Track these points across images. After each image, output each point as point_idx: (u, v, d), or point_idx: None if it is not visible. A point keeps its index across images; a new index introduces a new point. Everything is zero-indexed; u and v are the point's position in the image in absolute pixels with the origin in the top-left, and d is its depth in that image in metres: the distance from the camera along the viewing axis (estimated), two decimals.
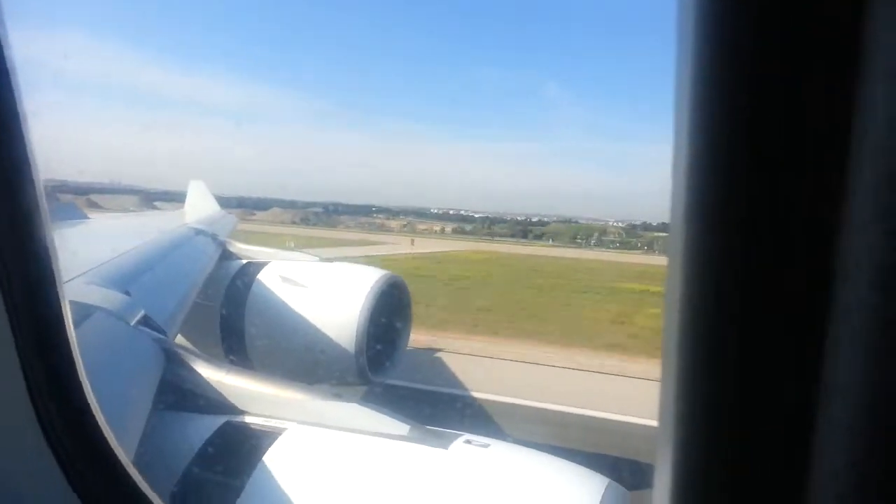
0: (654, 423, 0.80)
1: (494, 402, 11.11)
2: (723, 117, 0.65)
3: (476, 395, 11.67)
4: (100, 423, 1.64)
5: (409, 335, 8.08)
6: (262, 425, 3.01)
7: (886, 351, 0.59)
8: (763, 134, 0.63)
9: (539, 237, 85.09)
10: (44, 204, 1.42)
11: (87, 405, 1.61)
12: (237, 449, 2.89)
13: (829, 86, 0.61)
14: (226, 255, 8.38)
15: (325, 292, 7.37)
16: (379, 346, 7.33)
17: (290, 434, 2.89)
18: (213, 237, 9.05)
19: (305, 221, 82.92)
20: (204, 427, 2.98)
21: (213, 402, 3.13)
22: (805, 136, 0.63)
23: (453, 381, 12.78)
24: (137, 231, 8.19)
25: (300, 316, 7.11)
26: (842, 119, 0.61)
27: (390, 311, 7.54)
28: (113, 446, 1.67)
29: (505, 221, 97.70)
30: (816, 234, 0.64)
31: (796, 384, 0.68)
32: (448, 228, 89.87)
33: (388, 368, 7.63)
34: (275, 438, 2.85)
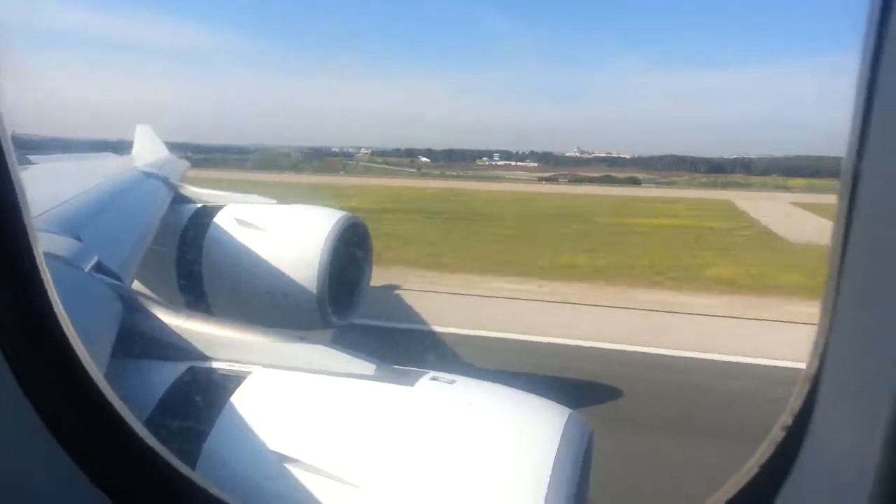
0: None
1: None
2: None
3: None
4: (82, 360, 1.62)
5: (370, 276, 8.06)
6: (226, 370, 2.99)
7: None
8: None
9: None
10: (9, 148, 1.33)
11: (67, 341, 1.58)
12: (202, 394, 2.87)
13: None
14: (179, 199, 8.12)
15: (284, 235, 7.26)
16: (341, 288, 7.31)
17: (255, 377, 2.88)
18: (165, 180, 8.75)
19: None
20: (167, 373, 2.95)
21: (174, 349, 3.08)
22: None
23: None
24: (86, 175, 7.84)
25: (260, 259, 7.00)
26: None
27: (351, 252, 7.50)
28: (100, 386, 1.65)
29: None
30: None
31: None
32: None
33: (352, 309, 7.64)
34: (240, 382, 2.84)
